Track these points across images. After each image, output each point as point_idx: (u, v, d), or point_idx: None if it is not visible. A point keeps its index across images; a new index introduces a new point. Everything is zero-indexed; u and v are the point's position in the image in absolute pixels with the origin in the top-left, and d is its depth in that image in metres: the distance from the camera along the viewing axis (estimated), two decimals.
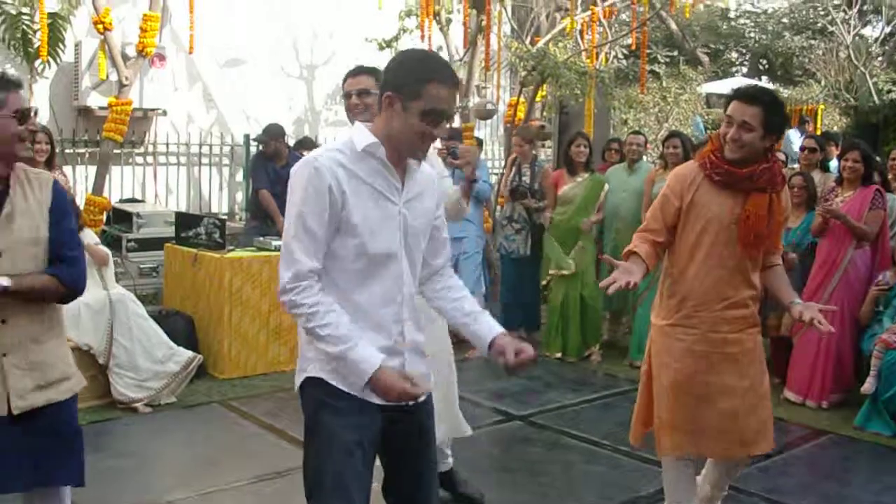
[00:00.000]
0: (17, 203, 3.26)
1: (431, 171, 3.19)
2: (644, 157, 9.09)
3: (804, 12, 22.85)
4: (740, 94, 4.06)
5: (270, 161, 8.91)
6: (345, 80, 4.37)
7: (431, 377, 3.17)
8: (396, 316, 3.00)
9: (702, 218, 4.08)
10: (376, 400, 2.91)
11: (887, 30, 20.20)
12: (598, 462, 5.90)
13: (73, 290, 3.39)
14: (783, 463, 5.94)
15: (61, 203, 3.39)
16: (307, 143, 10.25)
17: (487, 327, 3.15)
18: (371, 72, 4.32)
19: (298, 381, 3.07)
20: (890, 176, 8.26)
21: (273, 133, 9.03)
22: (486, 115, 11.22)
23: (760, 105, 3.98)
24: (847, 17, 18.43)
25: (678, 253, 4.17)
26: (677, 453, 4.25)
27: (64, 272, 3.34)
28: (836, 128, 15.12)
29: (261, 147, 9.16)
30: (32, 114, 3.32)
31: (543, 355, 8.51)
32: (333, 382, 2.94)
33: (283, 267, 2.88)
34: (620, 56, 17.49)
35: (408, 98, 2.85)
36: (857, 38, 18.94)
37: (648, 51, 14.83)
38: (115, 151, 10.20)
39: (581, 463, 5.89)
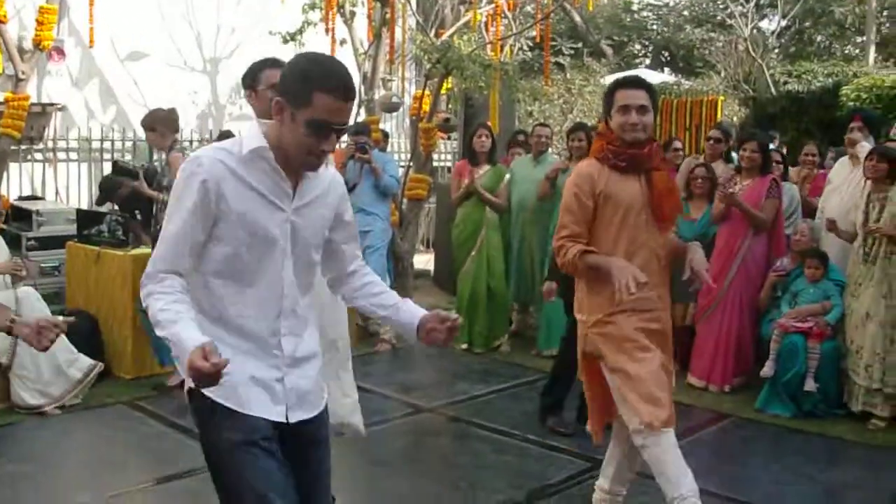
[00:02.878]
0: None
1: (331, 171, 2.98)
2: (549, 149, 9.16)
3: (704, 5, 23.30)
4: (629, 82, 4.30)
5: None
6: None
7: (325, 392, 3.04)
8: (273, 329, 2.83)
9: (619, 208, 4.15)
10: (270, 416, 2.80)
11: (783, 23, 20.70)
12: (507, 451, 5.96)
13: None
14: (687, 446, 5.97)
15: None
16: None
17: (410, 313, 3.04)
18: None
19: (186, 385, 2.85)
20: (802, 171, 8.59)
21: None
22: (391, 108, 11.22)
23: (646, 88, 4.23)
24: (745, 10, 18.81)
25: (601, 248, 4.18)
26: (672, 425, 4.21)
27: None
28: (735, 118, 15.44)
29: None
30: None
31: (450, 347, 8.55)
32: (220, 401, 2.76)
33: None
34: (525, 48, 17.63)
35: (295, 106, 2.66)
36: (754, 31, 19.34)
37: (553, 43, 14.93)
38: (13, 148, 9.96)
39: (491, 453, 5.94)
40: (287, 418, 2.84)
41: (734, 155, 9.07)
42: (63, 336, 6.65)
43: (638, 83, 4.25)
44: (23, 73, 9.46)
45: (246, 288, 2.79)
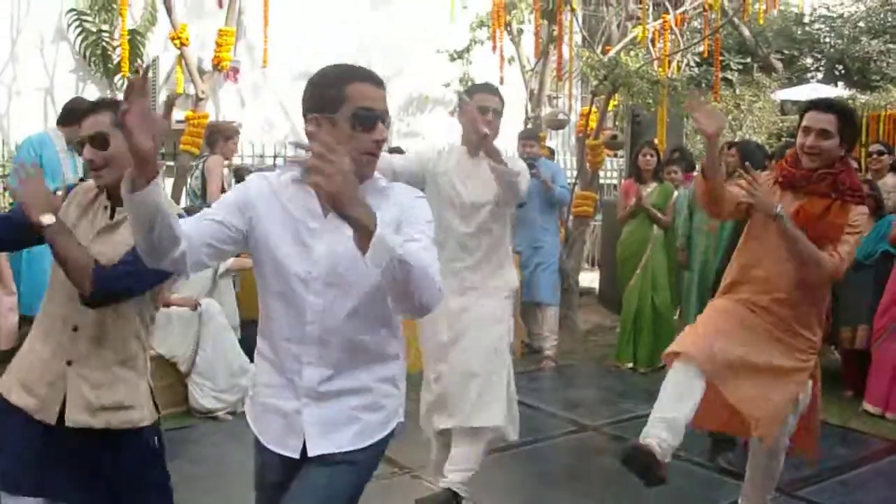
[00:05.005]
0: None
1: (396, 189, 2.77)
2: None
3: (882, 16, 22.39)
4: (815, 104, 4.21)
5: None
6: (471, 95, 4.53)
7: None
8: (296, 355, 2.69)
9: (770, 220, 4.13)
10: (284, 452, 2.74)
11: None
12: (673, 473, 5.82)
13: (98, 288, 2.97)
14: (863, 476, 5.85)
15: None
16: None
17: None
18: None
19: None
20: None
21: None
22: (557, 125, 11.23)
23: (835, 112, 4.12)
24: None
25: (749, 251, 4.29)
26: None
27: (101, 270, 2.98)
28: None
29: None
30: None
31: (615, 365, 8.49)
32: (251, 423, 2.90)
33: None
34: (693, 64, 17.34)
35: (332, 109, 2.57)
36: None
37: (721, 58, 14.66)
38: (192, 164, 10.38)
39: None
40: (303, 453, 2.72)
41: None
42: (238, 345, 6.94)
43: (827, 106, 4.17)
44: (202, 92, 9.86)
45: (277, 305, 2.72)
